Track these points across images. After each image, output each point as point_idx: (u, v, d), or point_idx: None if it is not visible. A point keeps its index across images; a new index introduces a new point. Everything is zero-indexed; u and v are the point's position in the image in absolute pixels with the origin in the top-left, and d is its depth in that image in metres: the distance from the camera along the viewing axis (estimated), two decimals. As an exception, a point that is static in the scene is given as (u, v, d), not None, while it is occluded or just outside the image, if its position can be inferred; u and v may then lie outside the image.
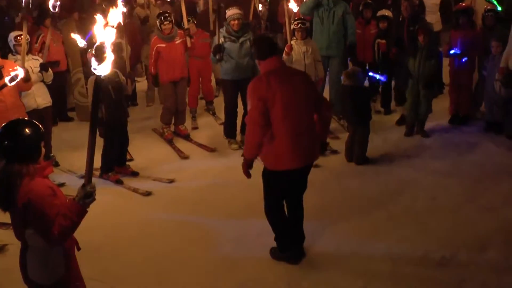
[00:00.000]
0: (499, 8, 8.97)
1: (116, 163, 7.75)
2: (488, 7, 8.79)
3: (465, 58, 8.48)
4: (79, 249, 3.87)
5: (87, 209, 3.54)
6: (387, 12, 9.46)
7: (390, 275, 5.22)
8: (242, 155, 5.34)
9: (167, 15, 8.85)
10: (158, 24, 8.81)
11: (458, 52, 8.43)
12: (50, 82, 8.07)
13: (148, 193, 7.22)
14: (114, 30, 3.52)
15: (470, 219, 6.07)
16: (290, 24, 8.33)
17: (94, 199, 3.54)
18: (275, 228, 5.52)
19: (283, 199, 5.50)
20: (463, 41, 8.42)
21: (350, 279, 5.20)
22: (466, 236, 5.73)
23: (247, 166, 5.23)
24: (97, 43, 3.32)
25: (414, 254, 5.49)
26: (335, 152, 8.15)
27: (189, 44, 8.89)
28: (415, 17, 8.53)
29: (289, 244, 5.52)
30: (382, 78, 8.84)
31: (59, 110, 9.88)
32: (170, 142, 9.00)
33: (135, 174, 7.84)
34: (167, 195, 7.22)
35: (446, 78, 9.43)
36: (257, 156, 5.27)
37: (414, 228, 5.99)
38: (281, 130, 5.05)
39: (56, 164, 8.07)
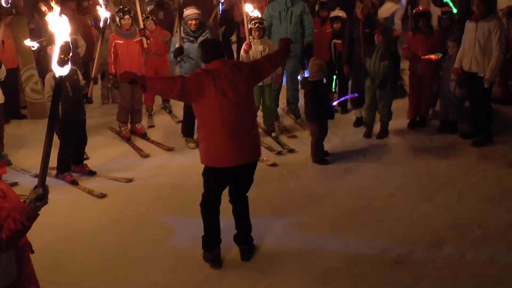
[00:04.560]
0: (455, 11, 9.12)
1: (73, 162, 7.59)
2: (444, 9, 8.93)
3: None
4: (32, 252, 3.73)
5: (39, 212, 3.35)
6: (340, 13, 9.48)
7: (348, 273, 5.26)
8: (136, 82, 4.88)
9: (126, 9, 8.73)
10: (117, 19, 8.68)
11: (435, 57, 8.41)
12: (3, 79, 7.87)
13: (102, 195, 7.07)
14: (69, 27, 3.40)
15: (426, 217, 6.17)
16: (247, 23, 8.32)
17: (47, 202, 3.33)
18: (205, 224, 5.52)
19: (231, 195, 5.55)
20: (423, 44, 8.47)
21: (308, 278, 5.22)
22: (422, 234, 5.82)
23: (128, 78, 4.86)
24: (61, 43, 3.15)
25: (372, 252, 5.54)
26: (292, 151, 8.18)
27: (145, 45, 8.79)
28: (370, 19, 8.59)
29: (214, 245, 5.52)
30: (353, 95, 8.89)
31: (12, 108, 9.64)
32: (128, 140, 8.88)
33: (92, 173, 7.70)
34: (124, 195, 7.12)
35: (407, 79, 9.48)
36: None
37: (371, 226, 6.05)
38: (218, 128, 5.07)
39: (9, 163, 7.85)
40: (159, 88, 5.06)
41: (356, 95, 8.84)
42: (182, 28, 8.19)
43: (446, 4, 9.31)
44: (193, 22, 8.13)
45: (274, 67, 5.71)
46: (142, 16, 9.07)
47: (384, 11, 9.80)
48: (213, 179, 5.35)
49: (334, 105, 8.60)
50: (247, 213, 5.62)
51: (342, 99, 9.18)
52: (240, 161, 5.19)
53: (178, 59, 8.12)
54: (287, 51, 5.75)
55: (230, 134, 5.07)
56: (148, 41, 8.82)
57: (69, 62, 3.17)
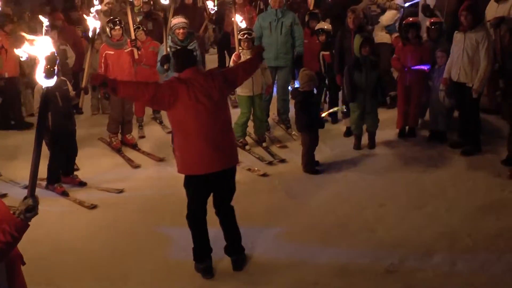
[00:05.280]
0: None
1: (63, 173, 7.56)
2: (433, 20, 8.99)
3: (428, 66, 8.51)
4: (23, 263, 3.71)
5: (29, 223, 3.26)
6: (325, 25, 9.52)
7: (339, 282, 5.26)
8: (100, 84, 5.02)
9: (117, 20, 8.73)
10: (108, 30, 8.69)
11: (426, 67, 8.50)
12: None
13: (93, 206, 7.05)
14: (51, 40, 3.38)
15: (416, 226, 6.18)
16: (237, 33, 8.35)
17: (37, 213, 3.24)
18: (193, 235, 5.52)
19: (216, 206, 5.53)
20: (413, 55, 8.52)
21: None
22: (413, 243, 5.83)
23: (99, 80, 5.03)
24: (48, 54, 3.13)
25: (363, 261, 5.55)
26: (283, 161, 8.19)
27: (136, 56, 8.79)
28: (361, 29, 8.63)
29: (204, 255, 5.51)
30: (344, 109, 8.91)
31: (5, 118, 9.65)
32: (118, 151, 8.87)
33: (83, 184, 7.68)
34: (115, 206, 7.09)
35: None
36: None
37: (362, 235, 6.06)
38: (194, 135, 5.12)
39: (-2, 175, 7.84)
40: (129, 92, 5.13)
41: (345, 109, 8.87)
42: (170, 37, 8.20)
43: (435, 15, 9.37)
44: (181, 31, 8.13)
45: (247, 74, 5.78)
46: (133, 27, 9.09)
47: (387, 19, 9.87)
48: (193, 187, 5.37)
49: (323, 117, 8.56)
50: (235, 223, 5.61)
51: (329, 111, 9.20)
52: (217, 167, 5.22)
53: (165, 67, 8.12)
54: (259, 58, 5.83)
55: (206, 140, 5.11)
56: (139, 52, 8.83)
57: (56, 73, 3.15)
